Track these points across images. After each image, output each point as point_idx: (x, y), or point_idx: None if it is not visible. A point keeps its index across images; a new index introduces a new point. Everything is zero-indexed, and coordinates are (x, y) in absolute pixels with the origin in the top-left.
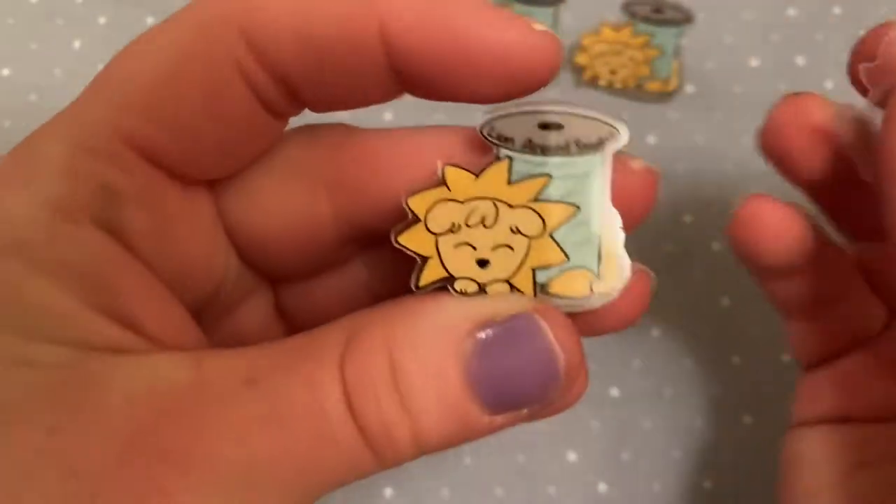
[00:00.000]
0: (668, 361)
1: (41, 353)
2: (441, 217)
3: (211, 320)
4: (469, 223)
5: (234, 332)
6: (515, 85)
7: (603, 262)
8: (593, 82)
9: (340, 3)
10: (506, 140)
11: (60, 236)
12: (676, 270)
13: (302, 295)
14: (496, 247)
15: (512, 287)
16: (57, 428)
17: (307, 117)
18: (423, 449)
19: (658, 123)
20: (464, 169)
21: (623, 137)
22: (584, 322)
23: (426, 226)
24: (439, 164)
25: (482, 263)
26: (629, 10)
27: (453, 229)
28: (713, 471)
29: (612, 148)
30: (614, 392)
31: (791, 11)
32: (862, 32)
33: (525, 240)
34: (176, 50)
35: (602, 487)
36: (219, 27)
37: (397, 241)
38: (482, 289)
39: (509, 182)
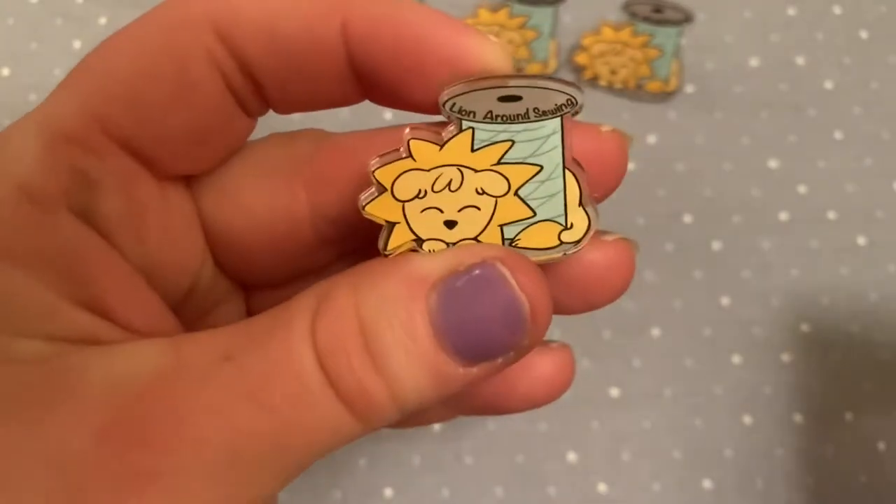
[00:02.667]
0: (668, 361)
1: (18, 348)
2: (407, 185)
3: (182, 324)
4: (435, 189)
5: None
6: None
7: (570, 215)
8: (593, 82)
9: (306, 4)
10: (468, 113)
11: (34, 224)
12: (676, 270)
13: (278, 302)
14: (463, 208)
15: (479, 244)
16: (38, 423)
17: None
18: (403, 406)
19: (658, 123)
20: (428, 141)
21: (578, 101)
22: (577, 295)
23: (393, 194)
24: (405, 137)
25: (450, 224)
26: (629, 10)
27: (420, 196)
28: (713, 471)
29: (568, 111)
30: (614, 392)
31: (791, 11)
32: (862, 33)
33: (491, 199)
34: (149, 43)
35: (602, 487)
36: (192, 21)
37: (364, 211)
38: (450, 247)
39: (472, 149)
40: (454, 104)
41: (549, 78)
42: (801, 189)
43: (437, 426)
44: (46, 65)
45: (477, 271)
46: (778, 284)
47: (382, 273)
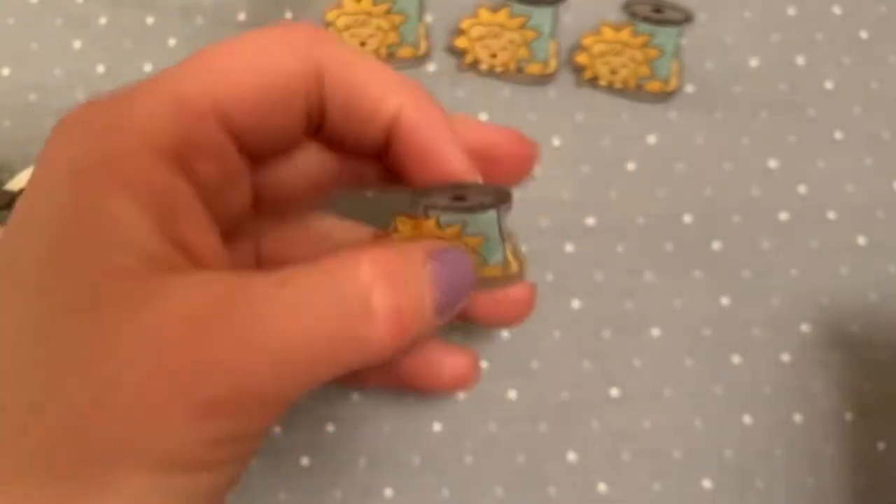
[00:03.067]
0: (668, 361)
1: (118, 261)
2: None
3: None
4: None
5: None
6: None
7: (507, 262)
8: (593, 82)
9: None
10: (433, 208)
11: (151, 169)
12: (676, 270)
13: (275, 184)
14: None
15: None
16: (129, 320)
17: None
18: (416, 333)
19: (658, 123)
20: (410, 219)
21: (509, 200)
22: (498, 313)
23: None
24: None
25: None
26: (629, 10)
27: None
28: (713, 471)
29: (502, 207)
30: (614, 392)
31: (791, 11)
32: (862, 33)
33: None
34: (272, 56)
35: (602, 487)
36: (301, 51)
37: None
38: None
39: (440, 227)
40: (419, 204)
41: (484, 185)
42: (801, 189)
43: (437, 426)
44: (46, 64)
45: (454, 250)
46: (778, 284)
47: (402, 245)
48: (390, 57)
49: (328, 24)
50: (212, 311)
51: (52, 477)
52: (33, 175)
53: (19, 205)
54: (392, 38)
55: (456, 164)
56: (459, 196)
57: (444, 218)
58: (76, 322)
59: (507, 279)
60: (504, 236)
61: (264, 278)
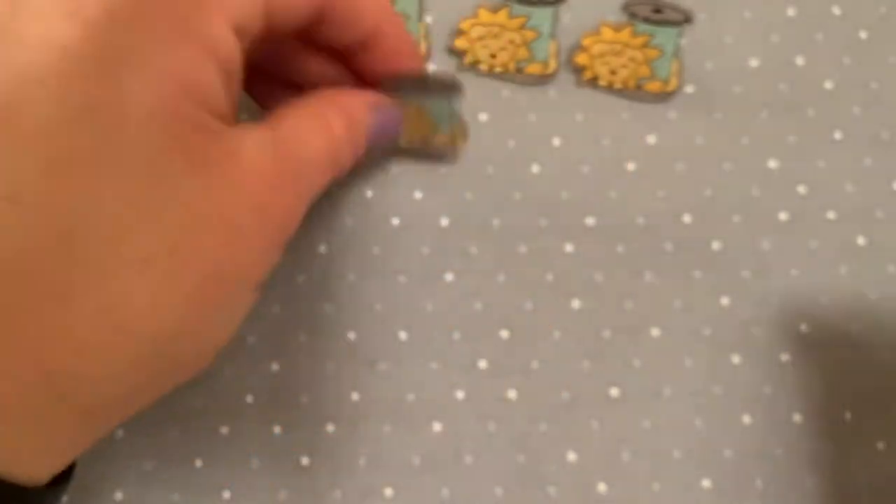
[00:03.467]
0: (667, 361)
1: (204, 120)
2: None
3: None
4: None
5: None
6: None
7: (453, 137)
8: (593, 82)
9: None
10: (396, 90)
11: (223, 61)
12: (676, 270)
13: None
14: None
15: None
16: (215, 187)
17: None
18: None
19: (658, 123)
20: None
21: (459, 91)
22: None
23: None
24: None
25: None
26: (629, 11)
27: None
28: (713, 471)
29: (455, 93)
30: (614, 392)
31: (791, 12)
32: (862, 33)
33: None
34: None
35: (602, 487)
36: None
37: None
38: None
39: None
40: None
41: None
42: (801, 189)
43: (437, 426)
44: None
45: (391, 107)
46: (778, 284)
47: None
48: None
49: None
50: (273, 167)
51: None
52: None
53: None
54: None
55: (417, 62)
56: (421, 86)
57: (406, 97)
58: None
59: (445, 146)
60: (451, 117)
61: (287, 132)
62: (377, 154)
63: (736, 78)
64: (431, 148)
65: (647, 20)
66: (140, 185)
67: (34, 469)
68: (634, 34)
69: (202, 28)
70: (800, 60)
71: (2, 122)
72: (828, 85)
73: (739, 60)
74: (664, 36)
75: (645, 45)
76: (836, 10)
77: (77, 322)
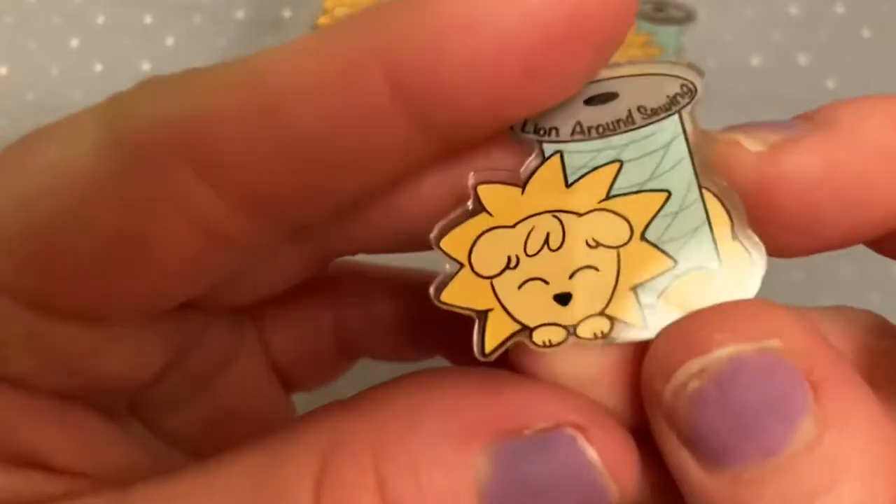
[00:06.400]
0: None
1: None
2: (490, 253)
3: (200, 382)
4: (529, 252)
5: (230, 392)
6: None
7: (722, 253)
8: None
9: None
10: (547, 132)
11: None
12: None
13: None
14: (575, 272)
15: (611, 319)
16: None
17: None
18: None
19: None
20: (502, 183)
21: (698, 88)
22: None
23: (473, 270)
24: (470, 181)
25: (562, 299)
26: None
27: (511, 265)
28: None
29: (687, 103)
30: None
31: (793, 10)
32: (865, 31)
33: (611, 252)
34: (329, 87)
35: None
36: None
37: (440, 301)
38: (572, 332)
39: (567, 184)
40: (526, 122)
41: (653, 61)
42: None
43: None
44: (44, 63)
45: (546, 437)
46: (778, 284)
47: (414, 420)
48: None
49: (326, 12)
50: None
51: None
52: None
53: None
54: None
55: None
56: (599, 95)
57: (574, 157)
58: None
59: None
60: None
61: None
62: None
63: (737, 76)
64: None
65: (648, 19)
66: None
67: None
68: (636, 33)
69: None
70: (802, 59)
71: None
72: (830, 84)
73: (741, 59)
74: (666, 35)
75: (646, 44)
76: (839, 9)
77: None
